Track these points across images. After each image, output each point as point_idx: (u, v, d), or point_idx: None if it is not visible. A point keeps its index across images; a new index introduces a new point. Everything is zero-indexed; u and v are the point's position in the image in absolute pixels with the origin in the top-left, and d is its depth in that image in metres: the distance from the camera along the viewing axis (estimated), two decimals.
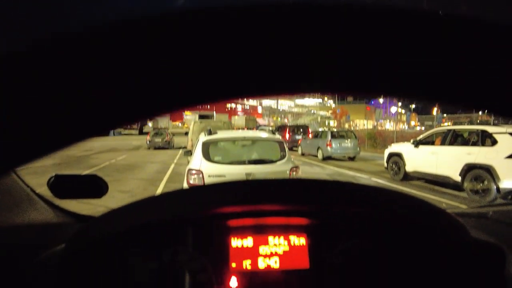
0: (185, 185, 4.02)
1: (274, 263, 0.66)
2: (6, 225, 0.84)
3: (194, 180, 3.91)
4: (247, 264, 0.65)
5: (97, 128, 0.25)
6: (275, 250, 0.66)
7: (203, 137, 4.40)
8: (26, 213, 0.93)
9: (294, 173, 4.14)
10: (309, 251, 0.67)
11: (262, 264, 0.65)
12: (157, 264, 0.66)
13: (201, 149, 4.17)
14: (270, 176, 4.06)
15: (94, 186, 0.90)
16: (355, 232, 0.68)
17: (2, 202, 0.87)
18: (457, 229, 0.59)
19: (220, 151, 4.31)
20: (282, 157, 4.28)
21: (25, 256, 0.70)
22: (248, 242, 0.67)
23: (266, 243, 0.67)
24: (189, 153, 6.04)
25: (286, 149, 4.42)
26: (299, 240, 0.67)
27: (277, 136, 4.57)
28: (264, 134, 4.65)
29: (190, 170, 3.99)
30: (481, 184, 6.58)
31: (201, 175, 3.89)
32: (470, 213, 1.06)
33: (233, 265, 0.65)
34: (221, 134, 4.51)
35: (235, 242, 0.66)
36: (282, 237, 0.67)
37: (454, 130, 7.89)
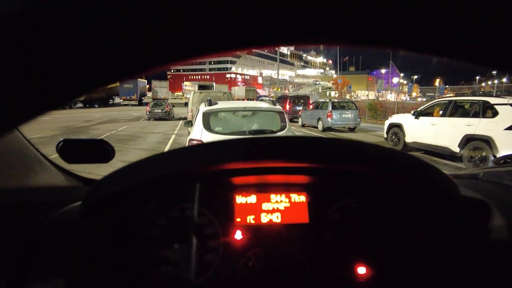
0: None
1: (276, 218, 0.71)
2: (20, 185, 0.88)
3: None
4: (250, 219, 0.71)
5: (93, 82, 0.24)
6: (276, 207, 0.71)
7: (204, 108, 4.40)
8: (38, 175, 0.97)
9: None
10: (309, 207, 0.72)
11: (264, 219, 0.71)
12: (167, 220, 0.71)
13: (201, 119, 4.19)
14: None
15: (101, 151, 0.93)
16: (354, 190, 0.73)
17: (13, 164, 0.90)
18: (451, 187, 0.63)
19: (221, 121, 4.33)
20: (283, 127, 4.30)
21: (42, 213, 0.75)
22: (252, 199, 0.72)
23: (268, 200, 0.72)
24: (189, 123, 6.07)
25: (287, 119, 4.44)
26: (299, 198, 0.72)
27: (278, 107, 4.57)
28: (264, 105, 4.65)
29: (191, 140, 4.03)
30: (479, 155, 6.64)
31: None
32: (463, 174, 1.10)
33: (238, 219, 0.70)
34: (221, 105, 4.50)
35: (240, 199, 0.72)
36: (283, 195, 0.72)
37: (455, 101, 7.85)
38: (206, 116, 4.21)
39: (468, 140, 6.95)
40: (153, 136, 12.38)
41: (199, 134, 4.05)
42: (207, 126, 4.12)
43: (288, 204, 0.71)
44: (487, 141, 6.50)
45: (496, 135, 6.38)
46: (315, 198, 0.72)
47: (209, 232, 0.70)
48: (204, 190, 0.71)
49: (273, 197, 0.72)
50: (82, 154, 0.97)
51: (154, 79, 43.43)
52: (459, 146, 7.12)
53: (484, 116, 6.84)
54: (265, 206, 0.71)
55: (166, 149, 9.32)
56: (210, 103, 4.49)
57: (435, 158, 8.03)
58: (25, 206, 0.79)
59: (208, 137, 4.01)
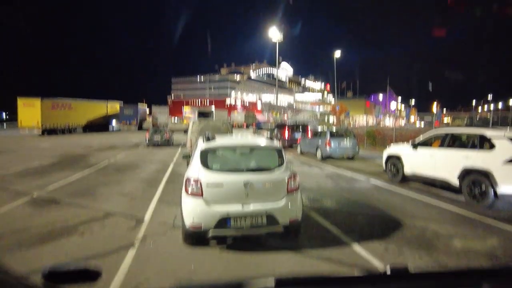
0: (184, 194, 4.05)
1: None
2: None
3: (192, 189, 3.94)
4: None
5: None
6: None
7: (202, 144, 4.41)
8: None
9: (292, 181, 4.17)
10: None
11: None
12: None
13: (199, 157, 4.19)
14: (268, 185, 4.09)
15: (87, 274, 0.94)
16: None
17: None
18: None
19: (219, 158, 4.33)
20: (280, 164, 4.30)
21: None
22: None
23: None
24: (187, 157, 6.07)
25: (284, 156, 4.44)
26: None
27: (275, 144, 4.58)
28: (262, 142, 4.65)
29: (188, 179, 4.01)
30: (478, 189, 6.60)
31: (199, 184, 3.92)
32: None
33: None
34: (219, 141, 4.51)
35: None
36: None
37: (452, 134, 7.90)
38: (204, 154, 4.21)
39: (466, 173, 6.94)
40: (151, 164, 12.34)
41: (197, 172, 4.04)
42: (205, 163, 4.12)
43: None
44: (486, 175, 6.48)
45: (495, 169, 6.37)
46: None
47: None
48: None
49: None
50: (69, 279, 0.97)
51: (155, 104, 43.84)
52: (458, 178, 7.09)
53: (481, 149, 6.87)
54: None
55: (164, 179, 9.26)
56: (208, 138, 4.51)
57: (434, 190, 7.98)
58: None
59: (205, 175, 4.00)
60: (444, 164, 7.62)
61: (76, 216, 5.68)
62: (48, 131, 30.63)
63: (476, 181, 6.67)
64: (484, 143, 6.88)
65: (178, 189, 4.80)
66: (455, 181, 7.18)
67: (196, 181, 3.93)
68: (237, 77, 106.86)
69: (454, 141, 7.79)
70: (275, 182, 4.12)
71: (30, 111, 29.35)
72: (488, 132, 6.89)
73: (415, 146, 8.62)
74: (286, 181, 4.13)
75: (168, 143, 20.23)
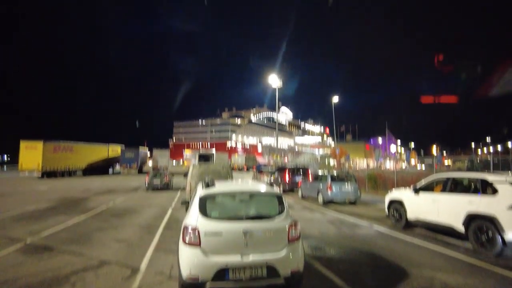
0: (181, 243, 3.92)
1: None
2: None
3: (190, 238, 3.82)
4: None
5: None
6: None
7: (201, 190, 4.35)
8: None
9: (293, 229, 4.06)
10: None
11: None
12: None
13: (198, 204, 4.12)
14: (268, 233, 3.97)
15: None
16: None
17: None
18: None
19: (218, 206, 4.25)
20: (281, 212, 4.21)
21: None
22: None
23: None
24: (186, 203, 5.97)
25: (285, 203, 4.36)
26: None
27: (275, 190, 4.52)
28: (262, 188, 4.60)
29: (186, 227, 3.90)
30: (485, 235, 6.41)
31: (197, 233, 3.80)
32: None
33: None
34: (218, 187, 4.46)
35: None
36: None
37: (453, 178, 7.84)
38: (203, 201, 4.14)
39: (471, 219, 6.78)
40: (150, 210, 12.12)
41: (195, 220, 3.94)
42: (203, 211, 4.03)
43: None
44: (491, 220, 6.33)
45: (500, 214, 6.23)
46: None
47: None
48: None
49: None
50: None
51: (156, 148, 44.14)
52: (463, 224, 6.92)
53: (484, 193, 6.78)
54: None
55: (162, 225, 9.04)
56: (207, 185, 4.46)
57: (440, 237, 7.75)
58: None
59: (204, 223, 3.90)
60: (448, 209, 7.47)
61: (69, 265, 5.46)
62: (48, 174, 30.57)
63: (482, 227, 6.50)
64: (486, 188, 6.81)
65: (176, 236, 4.68)
66: (460, 227, 6.99)
67: (194, 230, 3.83)
68: (238, 121, 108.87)
69: (456, 186, 7.72)
70: (275, 230, 4.01)
71: (31, 153, 29.55)
72: (490, 177, 6.85)
73: (416, 190, 8.52)
74: (287, 229, 4.02)
75: (167, 186, 20.08)
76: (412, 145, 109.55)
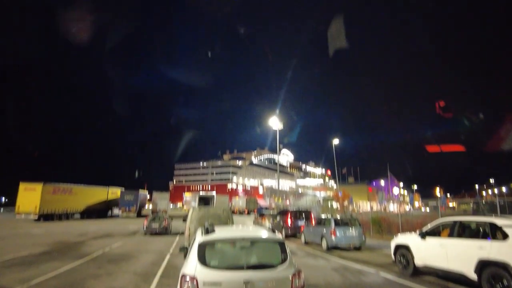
0: None
1: None
2: None
3: None
4: None
5: None
6: None
7: (200, 237, 4.20)
8: None
9: (296, 279, 3.84)
10: None
11: None
12: None
13: (196, 251, 3.95)
14: (271, 284, 3.75)
15: None
16: None
17: None
18: None
19: (217, 253, 4.06)
20: (284, 260, 4.01)
21: None
22: None
23: None
24: (184, 249, 5.74)
25: (288, 250, 4.18)
26: None
27: (278, 236, 4.35)
28: (264, 234, 4.43)
29: (183, 276, 3.71)
30: (500, 285, 6.07)
31: (195, 283, 3.60)
32: None
33: None
34: (218, 233, 4.30)
35: None
36: None
37: (461, 222, 7.62)
38: (202, 248, 3.97)
39: (483, 265, 6.47)
40: (147, 255, 11.67)
41: (193, 269, 3.75)
42: (202, 259, 3.85)
43: None
44: (506, 268, 6.03)
45: None
46: None
47: None
48: None
49: None
50: None
51: (156, 191, 43.69)
52: (475, 272, 6.59)
53: (494, 238, 6.54)
54: None
55: (159, 272, 8.64)
56: (207, 231, 4.32)
57: (451, 285, 7.35)
58: None
59: (202, 272, 3.70)
60: (457, 255, 7.17)
61: None
62: (45, 217, 29.95)
63: (496, 275, 6.18)
64: (496, 232, 6.59)
65: (173, 285, 4.43)
66: (472, 275, 6.65)
67: (192, 279, 3.63)
68: (239, 163, 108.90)
69: (463, 230, 7.48)
70: (278, 281, 3.79)
71: (30, 195, 29.19)
72: (499, 221, 6.65)
73: (423, 235, 8.24)
74: (291, 279, 3.81)
75: (166, 231, 19.54)
76: (415, 187, 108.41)
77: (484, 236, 6.81)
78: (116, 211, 41.30)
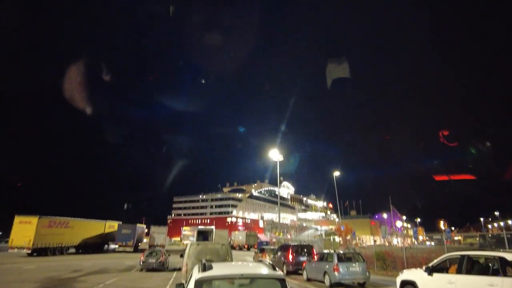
0: None
1: None
2: None
3: None
4: None
5: None
6: None
7: (197, 274, 4.00)
8: None
9: None
10: None
11: None
12: None
13: None
14: None
15: None
16: None
17: None
18: None
19: None
20: None
21: None
22: None
23: None
24: (181, 286, 5.47)
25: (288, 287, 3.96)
26: None
27: (278, 273, 4.14)
28: (264, 271, 4.23)
29: None
30: None
31: None
32: None
33: None
34: (216, 270, 4.10)
35: None
36: None
37: (468, 256, 7.33)
38: (198, 286, 3.76)
39: None
40: None
41: None
42: None
43: None
44: None
45: None
46: None
47: None
48: None
49: None
50: None
51: (154, 225, 42.78)
52: None
53: (505, 275, 6.25)
54: None
55: None
56: (204, 267, 4.12)
57: None
58: None
59: None
60: None
61: None
62: (38, 251, 29.02)
63: None
64: (506, 268, 6.32)
65: None
66: None
67: None
68: (239, 195, 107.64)
69: (472, 265, 7.18)
70: None
71: (24, 228, 28.45)
72: (510, 256, 6.40)
73: (430, 271, 7.92)
74: None
75: (163, 266, 18.87)
76: (418, 220, 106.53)
77: (494, 272, 6.52)
78: (112, 245, 40.19)
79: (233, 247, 47.08)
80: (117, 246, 38.06)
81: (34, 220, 28.90)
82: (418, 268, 8.89)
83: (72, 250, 34.47)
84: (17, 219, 29.12)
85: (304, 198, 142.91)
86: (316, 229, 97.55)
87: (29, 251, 28.30)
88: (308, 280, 14.80)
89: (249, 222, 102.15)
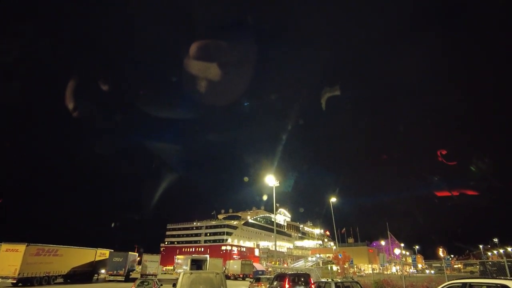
0: None
1: None
2: None
3: None
4: None
5: None
6: None
7: None
8: None
9: None
10: None
11: None
12: None
13: None
14: None
15: None
16: None
17: None
18: None
19: None
20: None
21: None
22: None
23: None
24: None
25: None
26: None
27: None
28: None
29: None
30: None
31: None
32: None
33: None
34: None
35: None
36: None
37: (470, 284, 7.12)
38: None
39: None
40: None
41: None
42: None
43: None
44: None
45: None
46: None
47: None
48: None
49: None
50: None
51: (146, 253, 41.62)
52: None
53: None
54: None
55: None
56: None
57: None
58: None
59: None
60: None
61: None
62: (24, 281, 27.82)
63: None
64: None
65: None
66: None
67: None
68: (234, 222, 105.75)
69: None
70: None
71: (11, 256, 27.40)
72: (510, 283, 6.23)
73: None
74: None
75: None
76: (417, 247, 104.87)
77: None
78: (102, 274, 38.77)
79: (227, 277, 45.63)
80: (107, 275, 36.72)
81: (21, 248, 27.93)
82: None
83: (60, 279, 33.13)
84: (4, 246, 28.10)
85: (301, 226, 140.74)
86: (313, 257, 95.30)
87: (14, 281, 27.13)
88: None
89: (244, 250, 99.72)
